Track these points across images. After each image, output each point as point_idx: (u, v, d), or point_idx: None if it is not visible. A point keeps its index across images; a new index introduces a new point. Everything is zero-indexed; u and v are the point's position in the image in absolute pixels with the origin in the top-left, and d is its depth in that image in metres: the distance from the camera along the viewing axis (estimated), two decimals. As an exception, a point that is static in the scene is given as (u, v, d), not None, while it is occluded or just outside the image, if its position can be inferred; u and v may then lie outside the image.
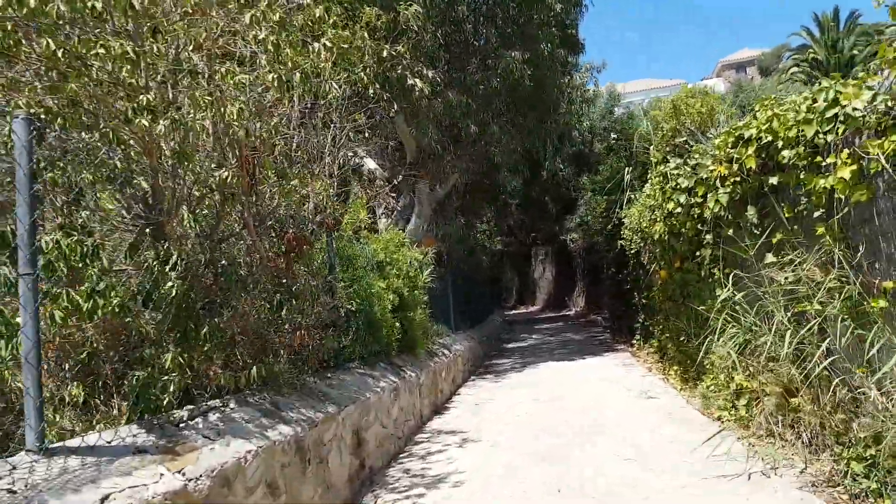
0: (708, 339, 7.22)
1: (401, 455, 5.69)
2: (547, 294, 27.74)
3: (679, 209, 6.74)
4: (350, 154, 13.64)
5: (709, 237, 6.57)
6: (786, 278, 4.95)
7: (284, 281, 4.25)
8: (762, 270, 5.11)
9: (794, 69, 35.44)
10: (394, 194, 13.50)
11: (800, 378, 4.82)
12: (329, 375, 4.92)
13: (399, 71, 8.75)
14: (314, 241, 4.63)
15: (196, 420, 3.18)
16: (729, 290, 5.93)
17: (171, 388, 3.07)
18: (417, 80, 8.55)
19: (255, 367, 3.55)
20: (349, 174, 11.61)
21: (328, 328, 4.98)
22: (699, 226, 6.71)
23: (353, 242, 6.44)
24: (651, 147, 9.39)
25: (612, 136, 23.54)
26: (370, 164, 13.52)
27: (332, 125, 6.40)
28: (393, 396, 5.78)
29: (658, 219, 7.79)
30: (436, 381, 7.98)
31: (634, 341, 12.80)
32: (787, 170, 4.72)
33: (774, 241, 5.04)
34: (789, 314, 4.96)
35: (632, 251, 10.92)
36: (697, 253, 6.87)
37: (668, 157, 7.19)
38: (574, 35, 13.66)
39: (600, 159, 21.47)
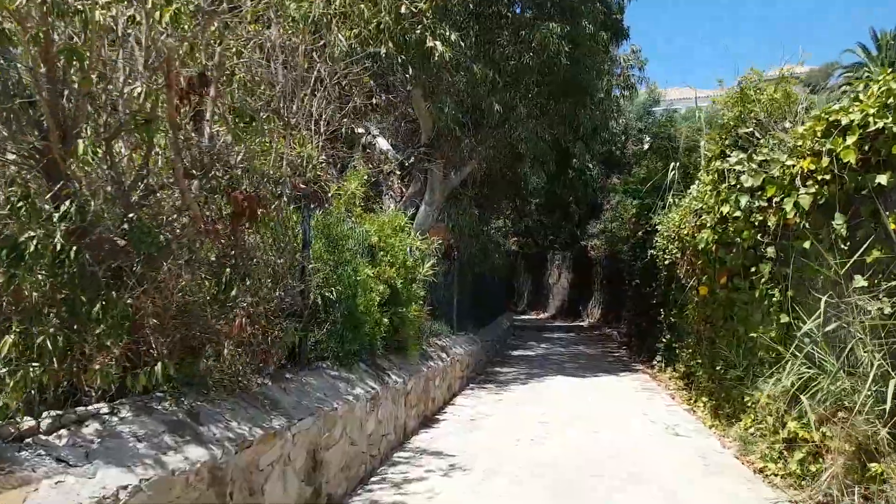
0: (755, 372, 6.20)
1: (372, 479, 4.74)
2: (560, 301, 26.65)
3: (738, 213, 5.69)
4: (360, 131, 12.73)
5: (771, 250, 5.52)
6: (880, 309, 3.92)
7: (233, 253, 3.30)
8: (850, 296, 4.08)
9: (846, 87, 33.86)
10: (403, 179, 12.56)
11: (888, 439, 3.79)
12: (289, 377, 3.98)
13: (419, 31, 7.78)
14: (279, 206, 3.67)
15: (59, 433, 2.24)
16: (796, 317, 4.90)
17: (14, 383, 2.14)
18: (438, 43, 7.57)
19: (160, 363, 2.61)
20: (352, 143, 10.68)
21: (293, 318, 4.04)
22: (760, 236, 5.66)
23: (343, 220, 5.49)
24: (703, 141, 8.33)
25: (647, 138, 22.42)
26: (382, 143, 12.58)
27: (330, 77, 5.44)
28: (370, 407, 4.83)
29: (706, 224, 6.74)
30: (427, 388, 7.03)
31: (655, 363, 11.75)
32: (904, 167, 3.68)
33: (869, 259, 4.01)
34: (881, 354, 3.94)
35: (665, 262, 9.86)
36: (753, 269, 5.83)
37: (728, 151, 6.13)
38: (619, 19, 12.58)
39: (632, 161, 20.37)
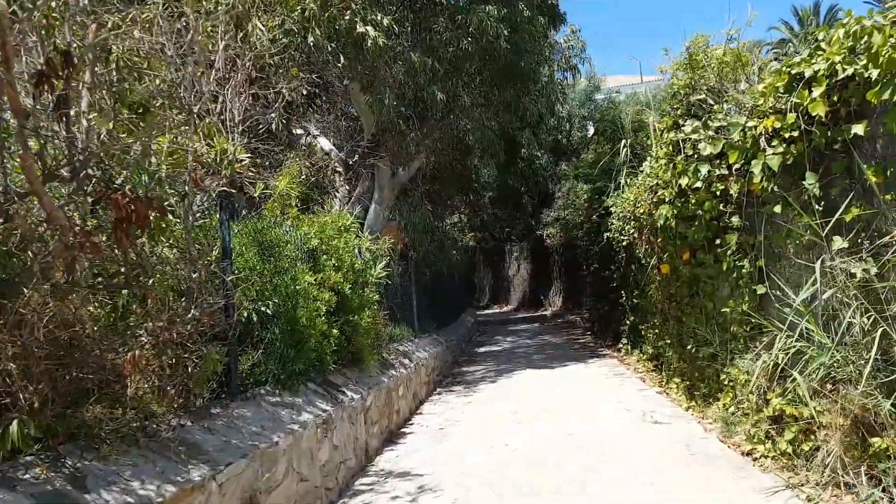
0: (731, 349, 5.89)
1: (331, 513, 4.18)
2: (522, 293, 26.43)
3: (698, 184, 5.35)
4: (299, 131, 12.06)
5: (736, 220, 5.20)
6: (865, 270, 3.59)
7: (123, 270, 2.69)
8: (833, 260, 3.74)
9: (774, 63, 34.80)
10: (350, 179, 11.95)
11: (892, 410, 3.46)
12: (216, 412, 3.37)
13: (348, 18, 7.21)
14: (186, 208, 3.06)
15: None
16: (772, 287, 4.57)
17: None
18: (370, 28, 7.03)
19: (15, 421, 1.99)
20: (290, 144, 10.02)
21: (217, 341, 3.43)
22: (722, 206, 5.34)
23: (277, 224, 4.90)
24: (651, 116, 8.04)
25: (591, 124, 22.36)
26: (324, 143, 11.94)
27: (248, 67, 4.83)
28: (321, 433, 4.25)
29: (664, 200, 6.41)
30: (390, 400, 6.47)
31: (621, 346, 11.50)
32: (881, 113, 3.35)
33: (848, 218, 3.67)
34: (869, 320, 3.61)
35: (622, 243, 9.58)
36: (717, 241, 5.51)
37: (682, 121, 5.80)
38: (555, 3, 12.27)
39: (579, 147, 20.26)
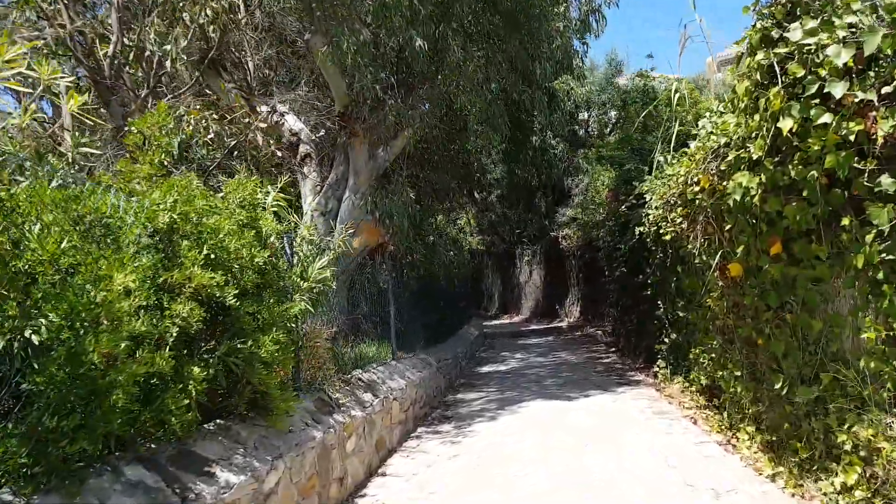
0: (855, 395, 3.75)
1: None
2: (534, 301, 24.26)
3: (825, 118, 3.25)
4: (264, 108, 10.10)
5: (888, 181, 3.12)
6: None
7: None
8: None
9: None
10: (321, 162, 9.95)
11: None
12: None
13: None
14: None
15: None
16: None
17: None
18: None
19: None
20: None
21: None
22: (859, 161, 3.26)
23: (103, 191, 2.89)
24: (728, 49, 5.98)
25: (612, 112, 20.23)
26: (292, 121, 9.96)
27: None
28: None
29: (743, 163, 4.32)
30: (328, 463, 4.41)
31: (658, 370, 9.34)
32: None
33: None
34: None
35: (663, 237, 7.46)
36: (842, 221, 3.43)
37: (776, 33, 3.70)
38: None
39: (600, 137, 18.12)
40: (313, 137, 9.87)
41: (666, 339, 9.06)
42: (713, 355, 6.49)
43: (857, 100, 3.03)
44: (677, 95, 6.92)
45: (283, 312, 3.72)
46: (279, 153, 9.02)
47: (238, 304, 3.33)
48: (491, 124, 8.39)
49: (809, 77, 3.33)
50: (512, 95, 9.11)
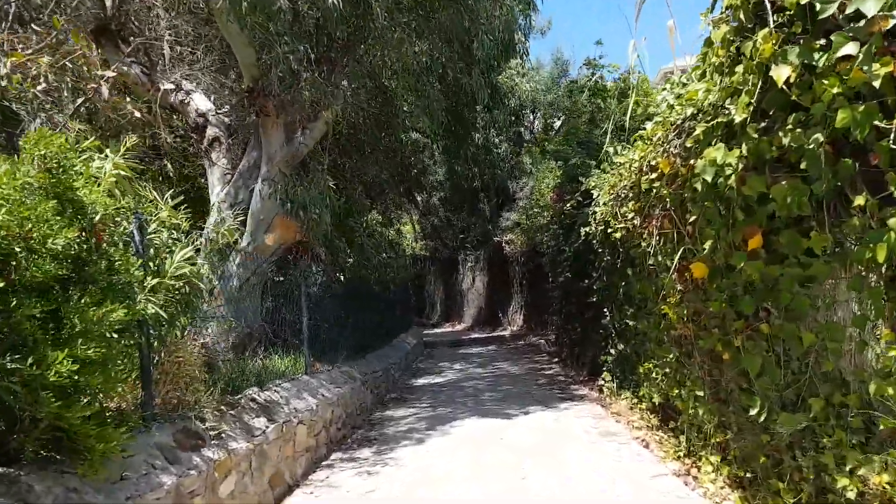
0: (859, 425, 2.97)
1: None
2: (477, 309, 23.48)
3: (849, 48, 2.46)
4: (168, 86, 8.85)
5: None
6: None
7: None
8: None
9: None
10: (231, 146, 8.78)
11: None
12: None
13: None
14: None
15: None
16: None
17: None
18: None
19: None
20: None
21: None
22: (885, 119, 2.51)
23: None
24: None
25: (560, 115, 19.75)
26: (200, 101, 8.75)
27: None
28: None
29: (716, 135, 3.54)
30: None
31: (603, 384, 8.62)
32: None
33: None
34: None
35: (611, 238, 6.74)
36: (860, 201, 2.67)
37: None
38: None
39: (545, 140, 17.55)
40: (223, 118, 8.70)
41: (612, 350, 8.36)
42: (667, 370, 5.75)
43: (891, 24, 2.25)
44: (633, 75, 6.17)
45: (103, 317, 2.64)
46: (169, 137, 7.81)
47: (16, 304, 2.25)
48: (425, 108, 7.46)
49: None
50: (448, 78, 8.22)
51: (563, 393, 8.95)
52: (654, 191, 4.99)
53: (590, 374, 9.72)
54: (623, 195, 6.07)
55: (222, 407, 4.17)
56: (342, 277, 10.10)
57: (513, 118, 16.67)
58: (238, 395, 4.77)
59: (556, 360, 12.80)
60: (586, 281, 9.33)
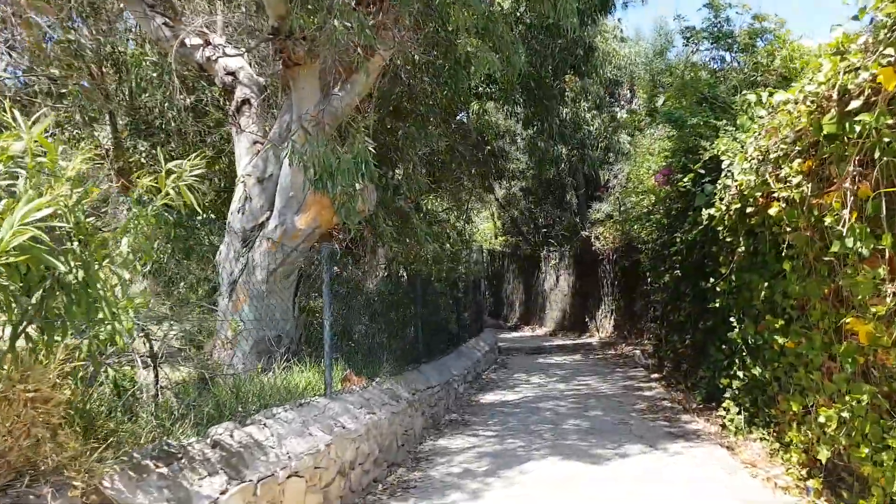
0: None
1: None
2: (560, 312, 21.47)
3: None
4: (196, 41, 7.70)
5: None
6: None
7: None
8: None
9: None
10: (264, 110, 7.51)
11: None
12: None
13: None
14: None
15: None
16: None
17: None
18: None
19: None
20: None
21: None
22: None
23: None
24: None
25: (662, 91, 17.39)
26: (231, 60, 7.53)
27: None
28: None
29: None
30: None
31: (724, 416, 6.63)
32: None
33: None
34: None
35: (753, 217, 4.85)
36: None
37: None
38: None
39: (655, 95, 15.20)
40: (254, 76, 7.43)
41: (739, 373, 6.40)
42: (848, 415, 3.79)
43: None
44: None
45: None
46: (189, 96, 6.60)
47: None
48: (493, 43, 5.76)
49: None
50: (531, 38, 6.49)
51: (670, 426, 7.02)
52: (853, 132, 3.09)
53: (705, 401, 7.71)
54: (782, 152, 4.16)
55: (147, 462, 2.72)
56: (400, 272, 8.66)
57: (607, 95, 14.61)
58: (192, 437, 3.32)
59: (656, 376, 10.75)
60: (704, 281, 7.35)
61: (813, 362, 4.58)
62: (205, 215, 8.30)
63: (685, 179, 6.75)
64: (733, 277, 6.29)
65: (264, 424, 3.95)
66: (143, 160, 10.28)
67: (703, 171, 6.52)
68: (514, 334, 21.93)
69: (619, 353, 14.80)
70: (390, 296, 8.17)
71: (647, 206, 11.64)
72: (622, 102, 17.69)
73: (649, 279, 11.38)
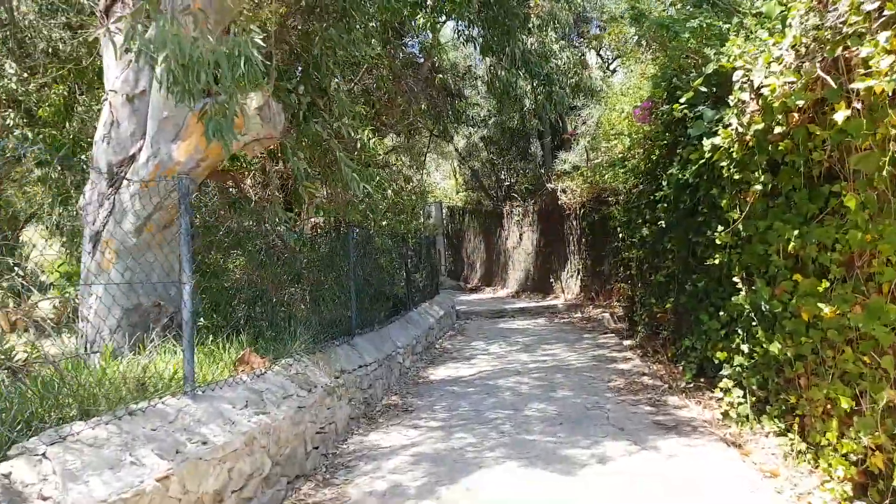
0: None
1: None
2: (524, 272, 20.24)
3: None
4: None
5: None
6: None
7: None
8: None
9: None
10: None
11: None
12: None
13: None
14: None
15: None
16: None
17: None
18: None
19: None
20: None
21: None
22: None
23: None
24: None
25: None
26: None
27: None
28: None
29: None
30: None
31: (723, 400, 5.41)
32: None
33: None
34: None
35: (779, 145, 3.44)
36: None
37: None
38: None
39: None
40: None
41: (744, 347, 5.18)
42: None
43: None
44: None
45: None
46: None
47: None
48: None
49: None
50: None
51: (656, 411, 5.78)
52: None
53: (694, 378, 6.50)
54: (858, 26, 2.74)
55: None
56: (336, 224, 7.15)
57: (575, 33, 13.01)
58: None
59: (629, 343, 9.58)
60: (696, 234, 6.07)
61: (875, 340, 3.30)
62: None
63: (681, 102, 5.30)
64: (740, 226, 4.97)
65: (43, 455, 2.45)
66: (13, 85, 8.45)
67: (704, 90, 5.09)
68: (475, 296, 20.66)
69: (587, 317, 13.65)
70: (313, 252, 6.65)
71: (622, 152, 10.31)
72: (591, 40, 16.10)
73: (621, 235, 10.10)
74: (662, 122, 6.89)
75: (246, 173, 6.06)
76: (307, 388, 4.82)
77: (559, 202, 16.68)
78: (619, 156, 10.41)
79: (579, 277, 16.64)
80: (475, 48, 9.23)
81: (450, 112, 12.28)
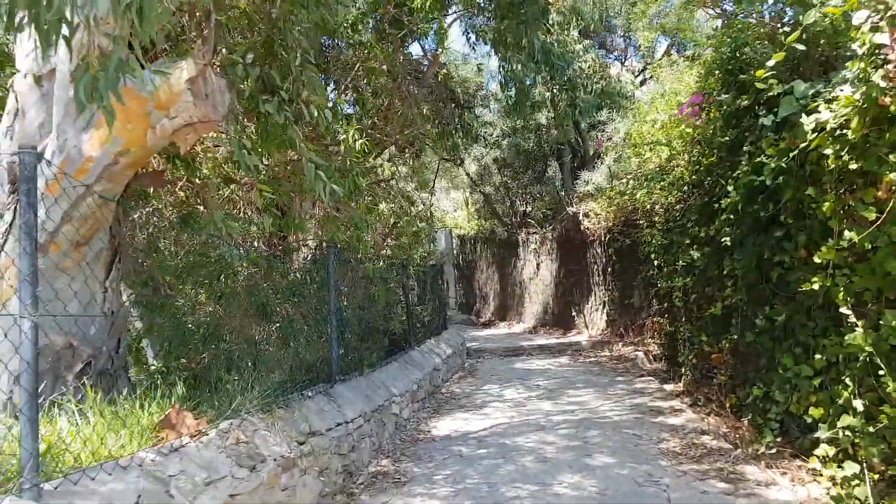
0: None
1: None
2: (542, 305, 18.82)
3: None
4: None
5: None
6: None
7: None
8: None
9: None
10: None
11: None
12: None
13: None
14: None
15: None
16: None
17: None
18: None
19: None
20: None
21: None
22: None
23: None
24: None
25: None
26: None
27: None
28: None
29: None
30: None
31: (821, 465, 4.01)
32: None
33: None
34: None
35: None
36: None
37: None
38: None
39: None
40: None
41: (859, 404, 3.81)
42: None
43: None
44: None
45: None
46: None
47: None
48: None
49: None
50: None
51: (734, 489, 4.37)
52: None
53: (779, 442, 5.07)
54: None
55: None
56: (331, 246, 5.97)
57: (600, 24, 11.88)
58: None
59: (672, 388, 8.16)
60: (773, 253, 4.76)
61: None
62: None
63: (768, 66, 4.02)
64: (855, 237, 3.66)
65: None
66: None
67: (801, 48, 3.81)
68: (487, 331, 19.24)
69: (616, 356, 12.20)
70: (283, 278, 5.39)
71: (659, 165, 9.08)
72: (617, 49, 15.02)
73: (656, 261, 8.78)
74: (722, 115, 5.62)
75: (198, 178, 4.85)
76: (250, 464, 3.49)
77: (581, 227, 15.37)
78: (655, 169, 9.16)
79: (605, 311, 15.19)
80: (486, 42, 8.09)
81: (458, 125, 11.13)
